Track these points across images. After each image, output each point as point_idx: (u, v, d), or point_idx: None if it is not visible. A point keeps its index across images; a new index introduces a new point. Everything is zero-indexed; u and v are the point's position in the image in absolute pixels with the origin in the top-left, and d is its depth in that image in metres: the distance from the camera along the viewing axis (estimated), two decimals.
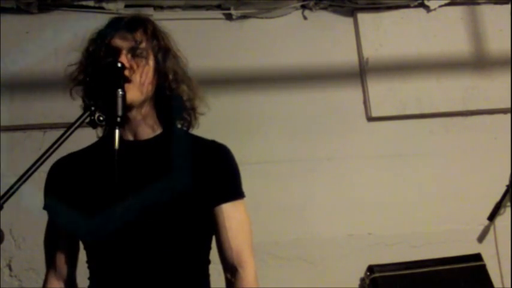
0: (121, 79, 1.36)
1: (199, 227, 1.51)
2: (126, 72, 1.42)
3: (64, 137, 1.25)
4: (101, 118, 1.30)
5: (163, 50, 1.55)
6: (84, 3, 2.89)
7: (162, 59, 1.54)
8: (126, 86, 1.39)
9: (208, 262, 1.56)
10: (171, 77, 1.55)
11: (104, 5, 2.89)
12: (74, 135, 1.27)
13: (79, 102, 1.58)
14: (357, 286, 2.75)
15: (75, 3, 2.88)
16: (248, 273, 1.48)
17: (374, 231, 2.85)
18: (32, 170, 1.19)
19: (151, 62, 1.52)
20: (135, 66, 1.46)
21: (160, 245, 1.44)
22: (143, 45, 1.50)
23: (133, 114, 1.49)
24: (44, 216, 1.62)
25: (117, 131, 1.29)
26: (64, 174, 1.56)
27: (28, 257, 2.60)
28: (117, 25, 1.53)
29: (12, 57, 2.75)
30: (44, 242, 1.63)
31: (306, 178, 2.89)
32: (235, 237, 1.49)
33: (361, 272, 2.72)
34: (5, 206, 1.14)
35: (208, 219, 1.51)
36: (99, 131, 1.62)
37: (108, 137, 1.54)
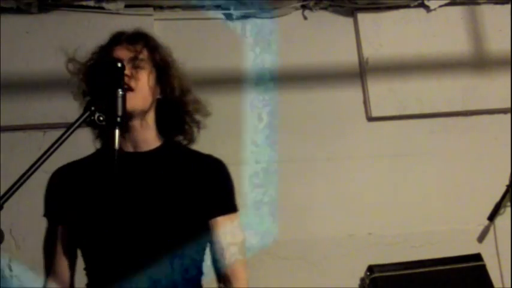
0: (121, 79, 1.36)
1: (194, 239, 1.53)
2: (129, 82, 1.45)
3: (64, 137, 1.25)
4: (101, 118, 1.30)
5: (164, 64, 1.59)
6: (84, 3, 2.89)
7: (163, 72, 1.58)
8: (128, 94, 1.38)
9: (202, 274, 1.58)
10: (171, 90, 1.58)
11: (104, 5, 2.89)
12: (74, 135, 1.27)
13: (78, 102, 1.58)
14: (357, 286, 2.74)
15: (75, 3, 2.87)
16: (241, 283, 1.53)
17: (374, 231, 2.85)
18: (32, 170, 1.19)
19: (152, 73, 1.55)
20: (136, 76, 1.49)
21: (156, 256, 1.45)
22: (144, 56, 1.54)
23: (135, 123, 1.52)
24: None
25: (117, 131, 1.28)
26: (67, 183, 1.57)
27: (28, 257, 2.59)
28: (118, 38, 1.57)
29: (12, 57, 2.75)
30: (43, 249, 1.64)
31: (306, 178, 2.88)
32: (229, 249, 1.54)
33: (361, 272, 2.72)
34: (5, 206, 1.14)
35: (203, 232, 1.55)
36: (97, 143, 1.64)
37: (107, 147, 1.58)
